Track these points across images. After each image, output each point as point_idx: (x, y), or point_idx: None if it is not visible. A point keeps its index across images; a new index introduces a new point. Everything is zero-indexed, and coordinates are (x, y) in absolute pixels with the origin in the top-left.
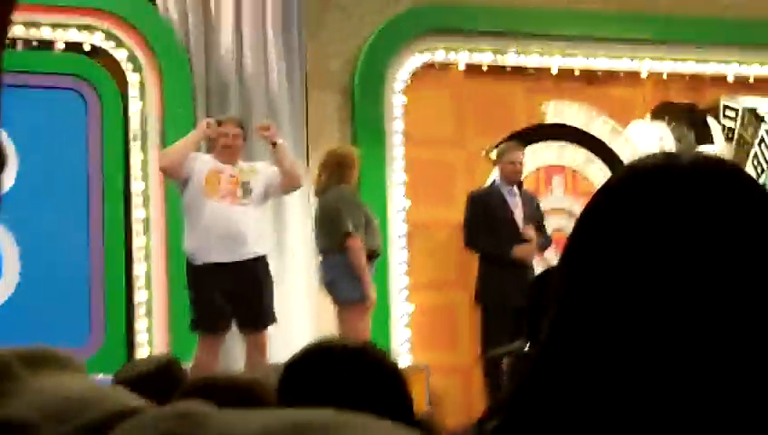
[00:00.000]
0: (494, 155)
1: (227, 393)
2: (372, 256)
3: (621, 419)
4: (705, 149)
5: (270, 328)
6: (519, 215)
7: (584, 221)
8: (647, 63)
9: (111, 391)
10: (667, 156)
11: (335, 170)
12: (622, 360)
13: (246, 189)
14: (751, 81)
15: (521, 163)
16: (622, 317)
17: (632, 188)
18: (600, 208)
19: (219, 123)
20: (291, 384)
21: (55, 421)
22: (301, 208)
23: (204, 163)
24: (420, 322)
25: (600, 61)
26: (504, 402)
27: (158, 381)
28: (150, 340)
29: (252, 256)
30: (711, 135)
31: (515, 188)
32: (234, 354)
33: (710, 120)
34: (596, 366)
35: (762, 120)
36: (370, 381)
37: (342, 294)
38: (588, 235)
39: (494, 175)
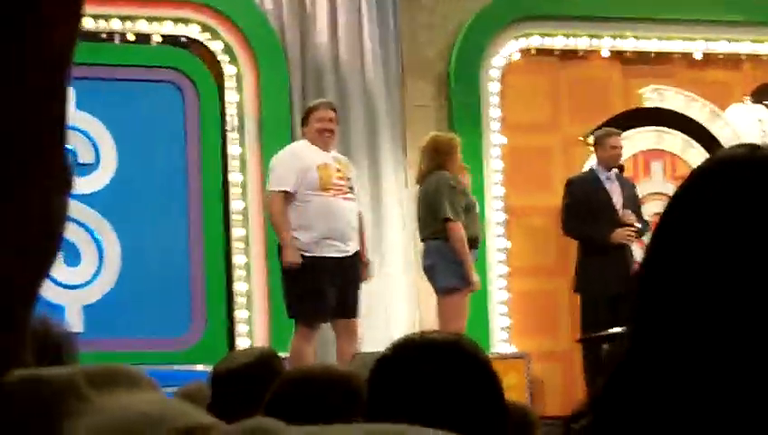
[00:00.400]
0: (591, 140)
1: (324, 385)
2: (473, 242)
3: (708, 417)
4: None
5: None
6: (617, 200)
7: (669, 211)
8: (745, 45)
9: (181, 408)
10: (751, 147)
11: (434, 157)
12: (706, 355)
13: (351, 185)
14: None
15: (620, 148)
16: (707, 309)
17: (715, 180)
18: (684, 199)
19: (314, 108)
20: (381, 379)
21: None
22: (397, 196)
23: (309, 158)
24: (519, 308)
25: (698, 44)
26: (591, 401)
27: (258, 373)
28: (250, 330)
29: (356, 250)
30: None
31: (613, 173)
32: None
33: None
34: (680, 361)
35: None
36: (461, 376)
37: (442, 281)
38: (672, 224)
39: (591, 160)
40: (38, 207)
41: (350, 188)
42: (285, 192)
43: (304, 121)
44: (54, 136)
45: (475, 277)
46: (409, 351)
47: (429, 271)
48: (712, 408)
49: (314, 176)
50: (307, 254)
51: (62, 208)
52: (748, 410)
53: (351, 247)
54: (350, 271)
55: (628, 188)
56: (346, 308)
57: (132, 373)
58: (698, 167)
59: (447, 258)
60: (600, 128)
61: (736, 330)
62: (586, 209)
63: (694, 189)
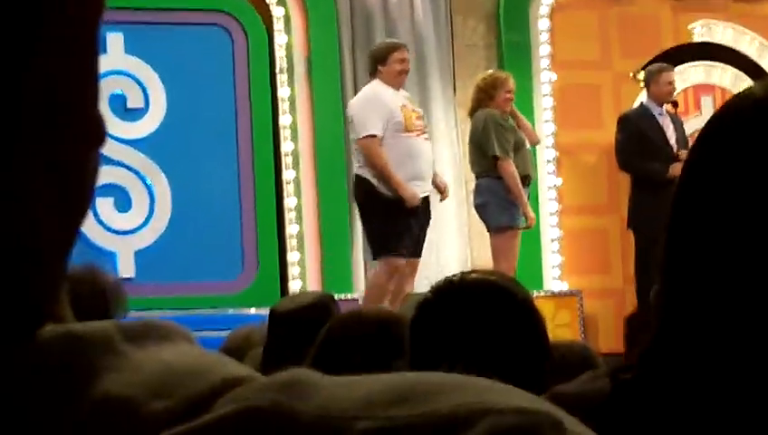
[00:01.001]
0: (641, 76)
1: (373, 329)
2: (524, 180)
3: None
4: None
5: (424, 255)
6: (671, 135)
7: (691, 158)
8: None
9: (217, 360)
10: (765, 89)
11: (481, 94)
12: (741, 320)
13: (426, 124)
14: None
15: (673, 83)
16: (735, 266)
17: (732, 125)
18: (705, 145)
19: (394, 48)
20: (422, 323)
21: (157, 396)
22: (448, 135)
23: (391, 100)
24: (572, 246)
25: None
26: (639, 356)
27: (315, 316)
28: (302, 273)
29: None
30: None
31: (665, 108)
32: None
33: None
34: (716, 324)
35: None
36: (500, 318)
37: (493, 218)
38: (694, 173)
39: (642, 97)
40: (69, 161)
41: (425, 127)
42: (376, 136)
43: (383, 61)
44: (85, 88)
45: (531, 213)
46: (449, 294)
47: (481, 209)
48: (750, 375)
49: (399, 118)
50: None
51: (94, 161)
52: None
53: (430, 187)
54: (427, 211)
55: (678, 124)
56: (418, 247)
57: (168, 327)
58: (713, 116)
59: (499, 196)
60: (650, 64)
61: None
62: (641, 145)
63: (710, 144)
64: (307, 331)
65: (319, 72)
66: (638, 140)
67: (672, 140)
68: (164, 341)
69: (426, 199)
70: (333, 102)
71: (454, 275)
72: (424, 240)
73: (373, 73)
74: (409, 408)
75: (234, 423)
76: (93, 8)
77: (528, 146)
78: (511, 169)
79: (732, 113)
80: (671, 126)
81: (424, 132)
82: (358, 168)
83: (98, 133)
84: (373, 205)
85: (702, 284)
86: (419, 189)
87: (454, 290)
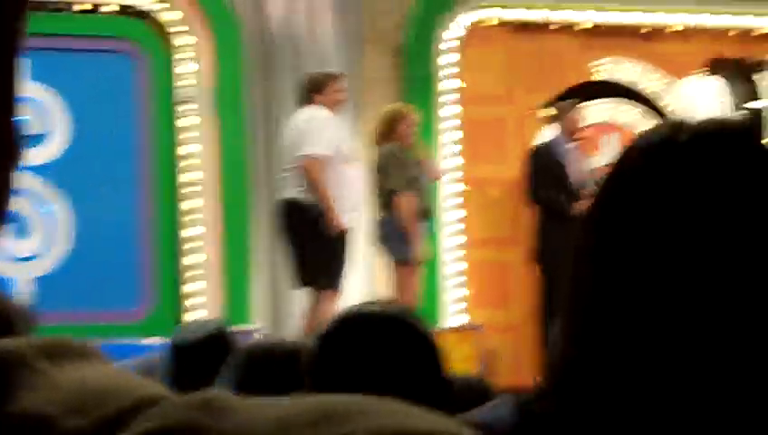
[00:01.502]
0: (553, 111)
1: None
2: (423, 215)
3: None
4: (754, 104)
5: None
6: (578, 170)
7: (597, 200)
8: (702, 17)
9: (133, 380)
10: (671, 128)
11: (384, 128)
12: (656, 344)
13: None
14: None
15: (583, 119)
16: (646, 293)
17: (635, 165)
18: (609, 191)
19: (334, 78)
20: (322, 354)
21: (74, 414)
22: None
23: (339, 127)
24: (475, 280)
25: (655, 16)
26: (551, 384)
27: (214, 346)
28: (201, 303)
29: None
30: (760, 90)
31: (574, 143)
32: None
33: (761, 75)
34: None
35: None
36: (398, 349)
37: (392, 253)
38: (600, 213)
39: (547, 132)
40: None
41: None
42: (323, 158)
43: (320, 90)
44: (2, 110)
45: (418, 253)
46: (349, 325)
47: (382, 242)
48: (671, 396)
49: (344, 146)
50: (342, 226)
51: (7, 183)
52: (713, 395)
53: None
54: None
55: (583, 160)
56: None
57: (83, 346)
58: (620, 155)
59: (397, 231)
60: (559, 99)
61: (679, 315)
62: (551, 178)
63: (616, 181)
64: (207, 361)
65: (224, 102)
66: (548, 173)
67: (578, 176)
68: (80, 359)
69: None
70: (238, 131)
71: (354, 306)
72: None
73: (306, 101)
74: (327, 430)
75: None
76: (10, 33)
77: (427, 182)
78: (406, 203)
79: (639, 153)
80: (579, 161)
81: (355, 165)
82: (298, 192)
83: (13, 153)
84: (321, 234)
85: (612, 315)
86: (350, 218)
87: (353, 321)
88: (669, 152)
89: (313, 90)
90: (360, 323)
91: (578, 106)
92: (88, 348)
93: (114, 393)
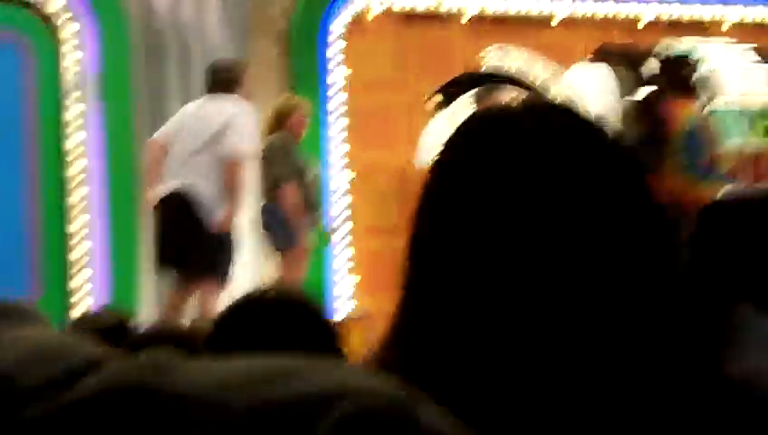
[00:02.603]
0: (436, 99)
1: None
2: (308, 204)
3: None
4: (643, 91)
5: None
6: None
7: (432, 170)
8: (587, 6)
9: (79, 341)
10: (504, 106)
11: (270, 120)
12: (478, 307)
13: None
14: (692, 23)
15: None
16: (473, 260)
17: (469, 138)
18: (443, 160)
19: (244, 67)
20: (219, 339)
21: (28, 372)
22: None
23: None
24: (364, 267)
25: (542, 4)
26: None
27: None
28: (90, 291)
29: None
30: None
31: None
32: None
33: (650, 61)
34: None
35: (700, 61)
36: (297, 332)
37: (276, 241)
38: (433, 183)
39: (436, 120)
40: None
41: None
42: (248, 156)
43: (238, 80)
44: None
45: (304, 241)
46: (244, 310)
47: (265, 230)
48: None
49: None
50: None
51: None
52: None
53: None
54: None
55: None
56: None
57: (26, 308)
58: (456, 129)
59: (279, 217)
60: (445, 88)
61: (502, 285)
62: None
63: (450, 151)
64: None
65: (110, 92)
66: None
67: None
68: (24, 321)
69: None
70: (124, 120)
71: (250, 291)
72: None
73: (227, 90)
74: (274, 388)
75: (100, 400)
76: None
77: (314, 172)
78: (289, 192)
79: (468, 125)
80: None
81: None
82: (191, 183)
83: None
84: (203, 225)
85: (443, 281)
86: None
87: (250, 305)
88: (505, 124)
89: (232, 79)
90: (257, 306)
91: (498, 90)
92: (31, 311)
93: (66, 352)
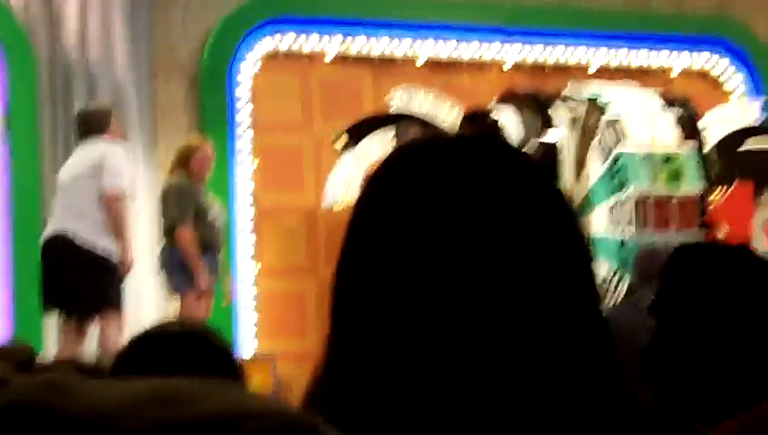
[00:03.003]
0: (341, 142)
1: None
2: (206, 246)
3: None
4: (549, 136)
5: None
6: None
7: (362, 193)
8: (493, 50)
9: None
10: (431, 137)
11: (173, 161)
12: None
13: None
14: (592, 70)
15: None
16: (394, 295)
17: (396, 164)
18: (370, 184)
19: (109, 112)
20: (121, 372)
21: None
22: (148, 194)
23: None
24: (268, 308)
25: (447, 47)
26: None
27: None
28: None
29: None
30: (554, 123)
31: None
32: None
33: (555, 107)
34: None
35: (605, 107)
36: (200, 364)
37: (172, 283)
38: (359, 210)
39: (343, 161)
40: None
41: None
42: (126, 194)
43: (106, 124)
44: None
45: (203, 282)
46: (147, 342)
47: (163, 273)
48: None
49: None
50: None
51: None
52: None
53: None
54: None
55: None
56: None
57: None
58: (381, 162)
59: (176, 261)
60: (352, 128)
61: (427, 317)
62: None
63: (377, 181)
64: None
65: (16, 129)
66: None
67: None
68: None
69: None
70: (30, 160)
71: (152, 326)
72: None
73: (94, 134)
74: (176, 409)
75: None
76: None
77: (215, 215)
78: (186, 235)
79: (391, 157)
80: None
81: None
82: (68, 222)
83: None
84: (95, 263)
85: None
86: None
87: (152, 337)
88: (432, 149)
89: (99, 124)
90: (160, 337)
91: (414, 129)
92: None
93: None
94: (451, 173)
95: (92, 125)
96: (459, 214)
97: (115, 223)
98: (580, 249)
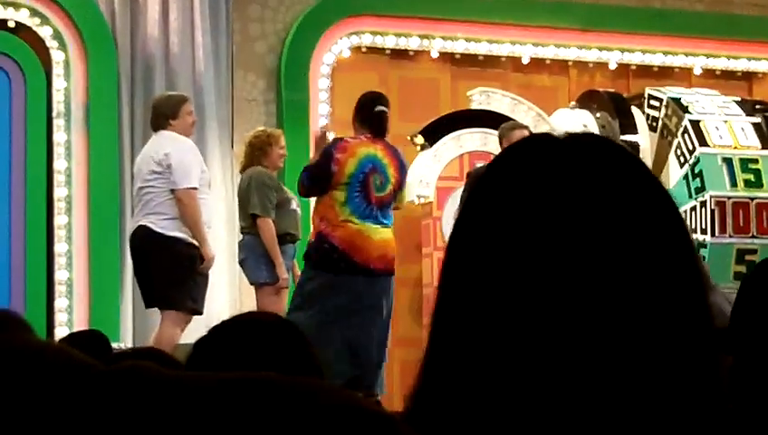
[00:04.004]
0: (419, 140)
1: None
2: (287, 238)
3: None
4: (629, 138)
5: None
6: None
7: (470, 193)
8: (573, 51)
9: (64, 348)
10: (547, 134)
11: (250, 152)
12: (511, 336)
13: None
14: (675, 70)
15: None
16: (504, 293)
17: (510, 161)
18: (483, 181)
19: (184, 100)
20: (198, 360)
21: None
22: (224, 190)
23: (199, 155)
24: None
25: (527, 48)
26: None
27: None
28: (70, 319)
29: None
30: (635, 124)
31: None
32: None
33: (634, 109)
34: (485, 346)
35: (685, 110)
36: (278, 351)
37: (252, 275)
38: (470, 209)
39: (420, 159)
40: None
41: None
42: (196, 189)
43: (174, 115)
44: None
45: (283, 274)
46: (225, 330)
47: (242, 264)
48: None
49: (207, 173)
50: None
51: None
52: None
53: None
54: None
55: None
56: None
57: (14, 316)
58: (497, 158)
59: (257, 253)
60: (428, 128)
61: (534, 318)
62: None
63: (488, 176)
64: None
65: (96, 119)
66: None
67: None
68: (11, 329)
69: None
70: (110, 150)
71: (231, 317)
72: None
73: (161, 126)
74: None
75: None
76: None
77: (294, 206)
78: (267, 227)
79: (503, 157)
80: None
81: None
82: (145, 216)
83: None
84: (171, 258)
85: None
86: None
87: (230, 328)
88: (547, 147)
89: (168, 116)
90: (237, 327)
91: (519, 128)
92: (16, 318)
93: (52, 360)
94: (566, 172)
95: (160, 117)
96: (576, 214)
97: (190, 220)
98: (689, 250)
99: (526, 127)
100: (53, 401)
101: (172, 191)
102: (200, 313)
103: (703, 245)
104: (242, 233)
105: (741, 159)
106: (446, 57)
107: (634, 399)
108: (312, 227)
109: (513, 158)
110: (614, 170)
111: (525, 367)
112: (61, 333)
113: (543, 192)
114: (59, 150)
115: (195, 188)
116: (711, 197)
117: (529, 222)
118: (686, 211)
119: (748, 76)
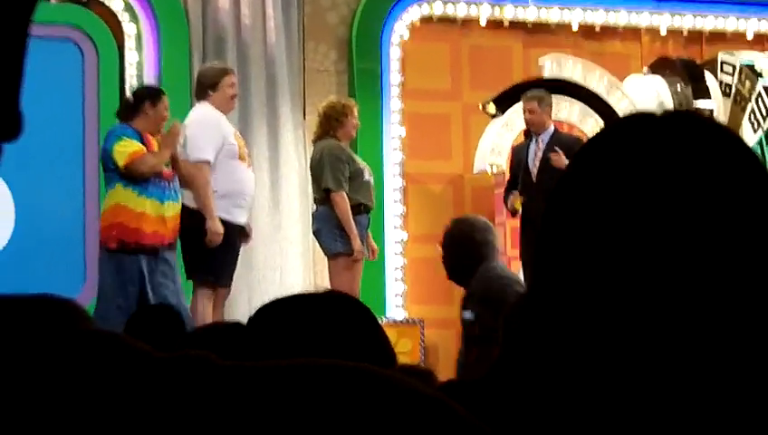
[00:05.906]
0: (490, 108)
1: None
2: (361, 209)
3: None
4: (702, 103)
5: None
6: (535, 164)
7: (567, 173)
8: (645, 18)
9: (131, 339)
10: (644, 112)
11: (323, 123)
12: (604, 319)
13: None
14: (749, 37)
15: (530, 112)
16: (603, 269)
17: (611, 138)
18: (581, 159)
19: (227, 72)
20: (257, 333)
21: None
22: (296, 161)
23: (226, 126)
24: (415, 275)
25: (598, 15)
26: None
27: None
28: None
29: None
30: (708, 90)
31: (541, 136)
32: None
33: (707, 75)
34: (577, 327)
35: (759, 75)
36: (343, 325)
37: (326, 245)
38: (568, 186)
39: (491, 127)
40: None
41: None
42: (209, 162)
43: (214, 86)
44: (13, 83)
45: (357, 245)
46: (286, 301)
47: (317, 235)
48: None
49: (234, 144)
50: (228, 219)
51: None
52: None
53: (246, 218)
54: (239, 242)
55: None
56: (232, 278)
57: (66, 303)
58: (599, 131)
59: (331, 224)
60: (501, 96)
61: (633, 292)
62: (514, 175)
63: (591, 150)
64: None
65: (169, 92)
66: (513, 170)
67: (534, 170)
68: (68, 317)
69: (242, 230)
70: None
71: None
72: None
73: (202, 97)
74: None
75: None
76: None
77: (367, 176)
78: (341, 200)
79: (603, 134)
80: (540, 153)
81: (250, 164)
82: (182, 187)
83: (15, 128)
84: (192, 231)
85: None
86: (243, 217)
87: (295, 302)
88: (648, 125)
89: (207, 86)
90: (301, 299)
91: (523, 100)
92: (74, 307)
93: (114, 350)
94: (666, 150)
95: (201, 87)
96: (679, 196)
97: (196, 193)
98: None
99: (530, 98)
100: (106, 391)
101: None
102: (221, 287)
103: None
104: (315, 204)
105: None
106: (518, 26)
107: (728, 386)
108: None
109: (614, 136)
110: (715, 150)
111: (619, 349)
112: None
113: (643, 173)
114: None
115: (207, 162)
116: None
117: (628, 202)
118: None
119: None
